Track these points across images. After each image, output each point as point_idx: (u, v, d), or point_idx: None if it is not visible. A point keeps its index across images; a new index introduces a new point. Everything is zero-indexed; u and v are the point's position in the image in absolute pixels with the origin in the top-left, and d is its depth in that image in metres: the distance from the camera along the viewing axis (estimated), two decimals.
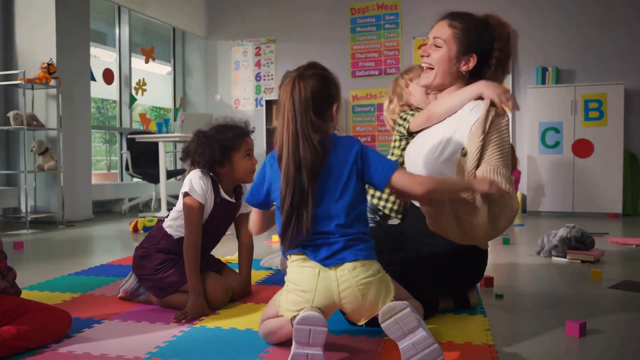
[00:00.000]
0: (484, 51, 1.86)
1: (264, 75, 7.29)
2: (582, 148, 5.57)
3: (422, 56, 1.93)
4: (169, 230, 2.11)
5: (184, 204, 2.03)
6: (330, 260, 1.46)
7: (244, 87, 7.36)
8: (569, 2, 6.03)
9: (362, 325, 1.47)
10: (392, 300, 1.45)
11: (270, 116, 6.83)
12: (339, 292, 1.45)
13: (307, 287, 1.46)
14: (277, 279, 2.55)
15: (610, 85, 5.50)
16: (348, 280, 1.44)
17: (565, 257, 3.05)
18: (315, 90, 1.48)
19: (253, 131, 2.16)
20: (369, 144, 6.81)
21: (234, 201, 2.16)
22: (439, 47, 1.87)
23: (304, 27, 7.07)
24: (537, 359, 1.55)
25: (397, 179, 1.52)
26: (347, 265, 1.45)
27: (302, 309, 1.45)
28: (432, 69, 1.90)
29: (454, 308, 2.00)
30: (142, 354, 1.56)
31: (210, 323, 1.86)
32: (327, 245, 1.47)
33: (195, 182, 2.03)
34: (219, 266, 2.22)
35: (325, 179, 1.49)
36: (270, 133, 6.85)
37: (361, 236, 1.50)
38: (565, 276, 2.68)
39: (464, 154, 1.78)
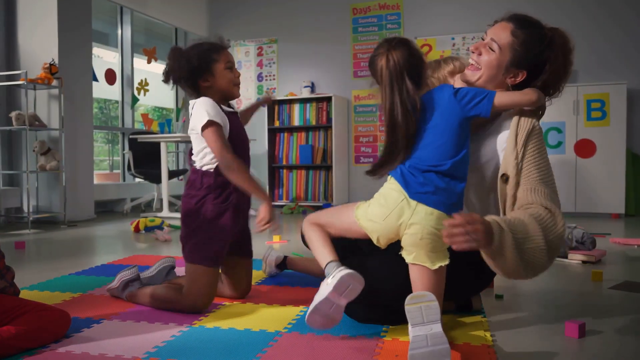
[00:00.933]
0: (537, 70, 1.76)
1: (266, 75, 7.29)
2: (585, 148, 5.55)
3: (472, 52, 1.81)
4: (205, 168, 2.04)
5: (209, 132, 1.95)
6: (415, 195, 1.61)
7: (246, 87, 7.36)
8: (571, 1, 6.01)
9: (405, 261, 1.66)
10: (440, 266, 1.60)
11: (272, 116, 6.82)
12: (408, 223, 1.60)
13: (387, 204, 1.64)
14: (278, 280, 2.55)
15: (613, 85, 5.48)
16: (421, 219, 1.59)
17: (566, 257, 3.04)
18: (406, 57, 1.66)
19: (229, 46, 2.13)
20: (371, 145, 6.81)
21: (236, 110, 2.14)
22: (493, 50, 1.75)
23: (305, 27, 7.07)
24: (535, 359, 1.54)
25: (500, 98, 1.66)
26: (427, 208, 1.60)
27: (373, 222, 1.66)
28: (479, 69, 1.78)
29: (454, 309, 1.99)
30: (140, 353, 1.57)
31: (209, 323, 1.86)
32: (420, 184, 1.62)
33: (207, 106, 1.97)
34: (249, 257, 2.21)
35: (429, 125, 1.67)
36: (272, 133, 6.84)
37: (452, 188, 1.63)
38: (566, 277, 2.67)
39: (505, 179, 1.69)
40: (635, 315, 2.00)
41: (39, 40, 5.05)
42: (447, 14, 6.35)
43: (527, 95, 1.66)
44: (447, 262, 1.62)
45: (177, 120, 7.28)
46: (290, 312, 1.98)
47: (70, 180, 5.10)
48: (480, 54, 1.78)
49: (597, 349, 1.63)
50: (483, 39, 1.81)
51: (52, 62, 4.84)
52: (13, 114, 4.66)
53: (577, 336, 1.71)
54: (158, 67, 7.45)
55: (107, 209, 6.24)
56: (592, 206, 5.55)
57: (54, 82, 4.86)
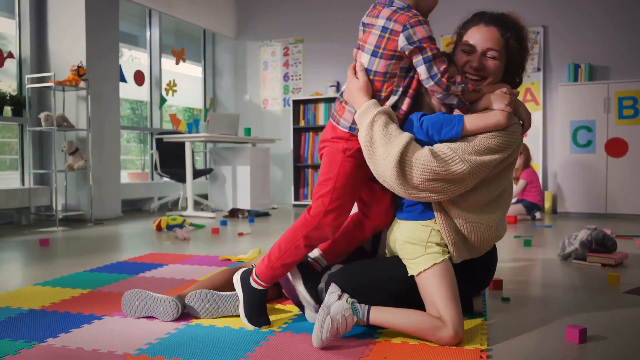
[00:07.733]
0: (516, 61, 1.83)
1: (292, 75, 7.32)
2: (616, 147, 5.37)
3: (473, 68, 1.77)
4: None
5: None
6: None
7: (272, 87, 7.41)
8: None
9: None
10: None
11: (297, 116, 6.84)
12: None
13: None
14: None
15: None
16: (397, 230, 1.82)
17: (585, 260, 2.95)
18: None
19: None
20: None
21: None
22: (495, 59, 1.76)
23: (331, 26, 7.06)
24: None
25: (470, 123, 1.64)
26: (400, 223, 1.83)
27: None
28: (485, 78, 1.77)
29: None
30: (132, 350, 1.59)
31: (205, 321, 1.87)
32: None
33: None
34: None
35: None
36: (297, 133, 6.86)
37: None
38: (582, 280, 2.59)
39: None
40: None
41: (67, 43, 5.19)
42: (475, 11, 6.22)
43: (495, 118, 1.62)
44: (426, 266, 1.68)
45: (205, 120, 7.37)
46: (288, 312, 1.98)
47: (97, 179, 5.22)
48: (483, 68, 1.77)
49: (596, 355, 1.58)
50: (464, 50, 1.80)
51: (80, 65, 4.97)
52: (42, 115, 4.80)
53: (577, 342, 1.66)
54: (186, 68, 7.57)
55: (135, 208, 6.37)
56: (623, 207, 5.38)
57: (82, 84, 4.99)
